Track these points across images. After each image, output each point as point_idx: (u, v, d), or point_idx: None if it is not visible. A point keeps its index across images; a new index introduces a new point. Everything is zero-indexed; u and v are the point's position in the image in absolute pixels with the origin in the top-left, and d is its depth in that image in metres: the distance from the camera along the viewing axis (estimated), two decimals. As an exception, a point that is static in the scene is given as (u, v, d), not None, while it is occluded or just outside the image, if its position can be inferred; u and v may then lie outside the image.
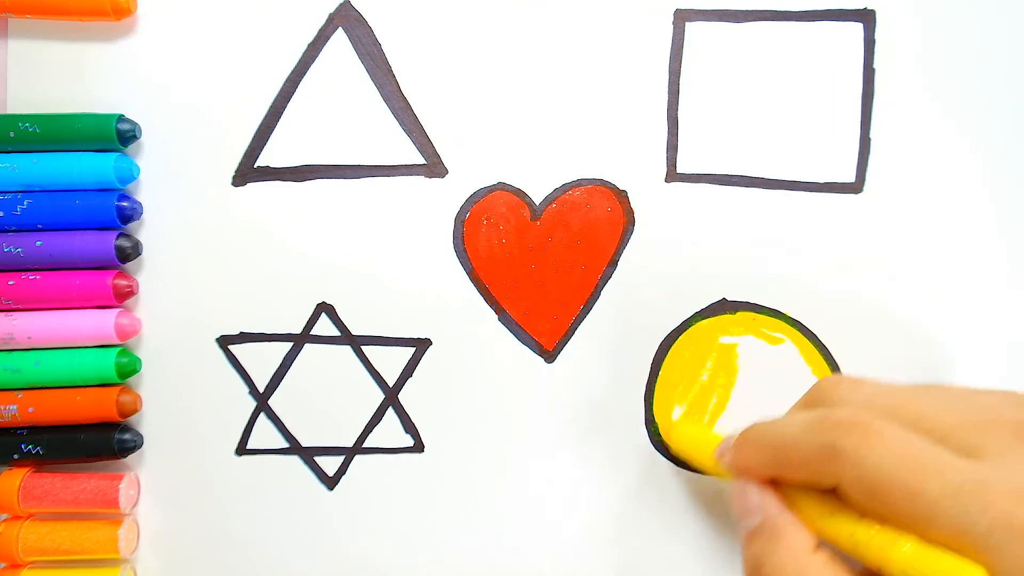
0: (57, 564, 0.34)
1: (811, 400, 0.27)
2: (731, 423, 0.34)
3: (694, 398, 0.34)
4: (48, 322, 0.33)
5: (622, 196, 0.34)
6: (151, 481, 0.35)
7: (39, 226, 0.33)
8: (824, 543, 0.24)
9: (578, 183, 0.34)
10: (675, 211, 0.34)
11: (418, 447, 0.35)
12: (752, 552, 0.25)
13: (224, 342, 0.35)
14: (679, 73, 0.34)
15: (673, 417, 0.34)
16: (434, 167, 0.35)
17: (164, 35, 0.34)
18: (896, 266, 0.34)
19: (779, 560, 0.24)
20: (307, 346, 0.35)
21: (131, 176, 0.33)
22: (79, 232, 0.33)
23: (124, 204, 0.33)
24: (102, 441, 0.33)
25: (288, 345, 0.35)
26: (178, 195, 0.34)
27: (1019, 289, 0.34)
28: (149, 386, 0.34)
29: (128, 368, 0.33)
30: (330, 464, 0.35)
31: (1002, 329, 0.34)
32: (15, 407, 0.32)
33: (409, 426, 0.35)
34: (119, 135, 0.33)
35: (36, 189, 0.33)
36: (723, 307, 0.34)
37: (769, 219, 0.34)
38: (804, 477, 0.24)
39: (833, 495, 0.24)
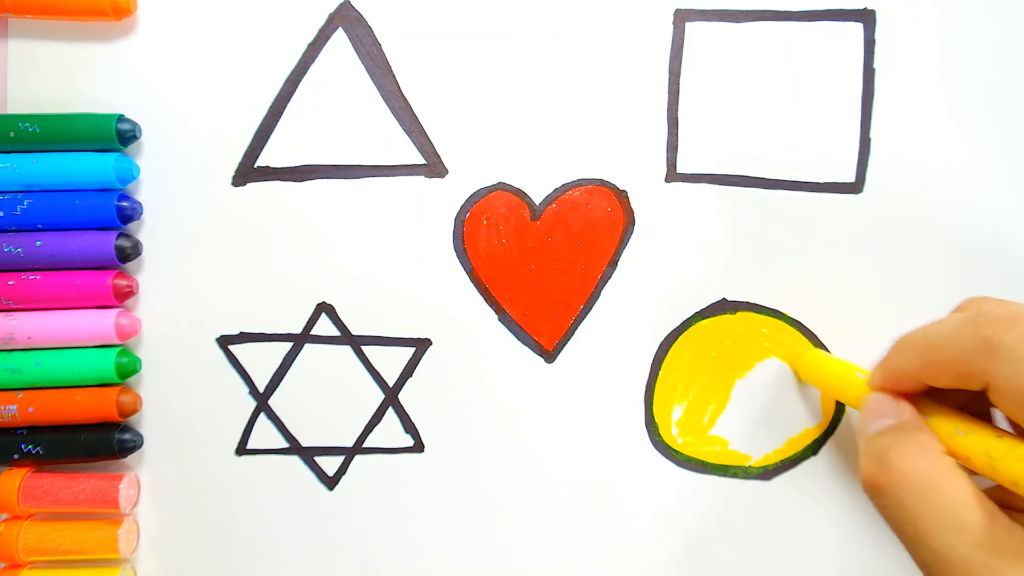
0: (57, 564, 0.34)
1: (960, 309, 0.26)
2: (731, 423, 0.34)
3: (694, 398, 0.34)
4: (48, 322, 0.33)
5: (622, 196, 0.34)
6: (151, 481, 0.35)
7: (39, 226, 0.33)
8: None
9: (578, 183, 0.34)
10: (675, 211, 0.34)
11: (418, 447, 0.35)
12: (879, 444, 0.24)
13: (224, 342, 0.35)
14: (679, 73, 0.34)
15: (673, 417, 0.34)
16: (434, 167, 0.35)
17: (164, 35, 0.34)
18: (896, 266, 0.34)
19: (910, 450, 0.23)
20: (307, 346, 0.35)
21: (131, 176, 0.33)
22: (79, 232, 0.33)
23: (124, 204, 0.33)
24: (102, 441, 0.33)
25: (288, 345, 0.35)
26: (178, 195, 0.34)
27: (1019, 289, 0.34)
28: (149, 386, 0.34)
29: (128, 368, 0.33)
30: (330, 464, 0.35)
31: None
32: (15, 407, 0.32)
33: (409, 426, 0.35)
34: (119, 135, 0.33)
35: (36, 189, 0.33)
36: (723, 307, 0.34)
37: (769, 219, 0.34)
38: (954, 375, 0.23)
39: (970, 416, 0.23)
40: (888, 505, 0.23)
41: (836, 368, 0.31)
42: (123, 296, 0.33)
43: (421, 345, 0.35)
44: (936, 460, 0.23)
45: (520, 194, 0.34)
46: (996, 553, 0.21)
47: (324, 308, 0.35)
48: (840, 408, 0.34)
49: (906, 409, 0.25)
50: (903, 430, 0.24)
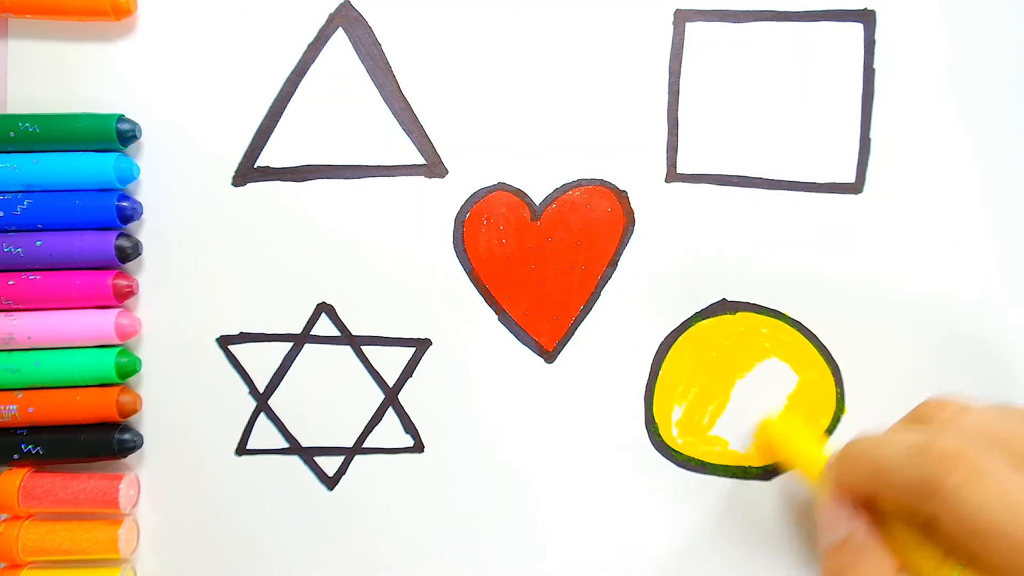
0: (57, 564, 0.34)
1: (916, 417, 0.26)
2: (731, 423, 0.34)
3: (694, 398, 0.34)
4: (48, 322, 0.33)
5: (622, 196, 0.34)
6: (151, 481, 0.35)
7: (39, 226, 0.33)
8: (906, 572, 0.23)
9: (578, 183, 0.34)
10: (675, 211, 0.34)
11: (418, 447, 0.35)
12: (832, 565, 0.24)
13: (224, 342, 0.35)
14: (679, 73, 0.34)
15: (673, 417, 0.34)
16: (434, 167, 0.35)
17: (164, 35, 0.34)
18: (896, 266, 0.34)
19: (862, 572, 0.23)
20: (307, 346, 0.35)
21: (131, 176, 0.33)
22: (79, 232, 0.33)
23: (124, 204, 0.33)
24: (102, 441, 0.33)
25: (288, 345, 0.35)
26: (178, 195, 0.34)
27: (1019, 289, 0.34)
28: (149, 386, 0.34)
29: (128, 368, 0.33)
30: (330, 464, 0.35)
31: (1002, 329, 0.34)
32: (15, 407, 0.32)
33: (409, 426, 0.35)
34: (119, 135, 0.33)
35: (36, 189, 0.33)
36: (723, 307, 0.34)
37: (769, 219, 0.34)
38: (900, 503, 0.23)
39: (925, 525, 0.23)
40: None
41: (797, 449, 0.31)
42: (123, 296, 0.33)
43: (421, 345, 0.35)
44: None
45: (520, 194, 0.34)
46: None
47: (324, 308, 0.35)
48: (840, 408, 0.34)
49: (859, 526, 0.25)
50: (855, 550, 0.24)
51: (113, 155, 0.33)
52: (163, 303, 0.34)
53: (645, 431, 0.35)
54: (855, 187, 0.34)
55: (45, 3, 0.33)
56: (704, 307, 0.34)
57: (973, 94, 0.34)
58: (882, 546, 0.24)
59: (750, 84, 0.34)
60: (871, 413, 0.34)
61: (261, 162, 0.34)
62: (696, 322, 0.34)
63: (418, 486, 0.35)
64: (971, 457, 0.21)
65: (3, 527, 0.33)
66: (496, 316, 0.35)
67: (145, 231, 0.34)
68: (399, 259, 0.34)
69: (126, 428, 0.34)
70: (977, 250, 0.34)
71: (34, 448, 0.33)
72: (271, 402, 0.35)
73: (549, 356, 0.35)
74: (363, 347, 0.35)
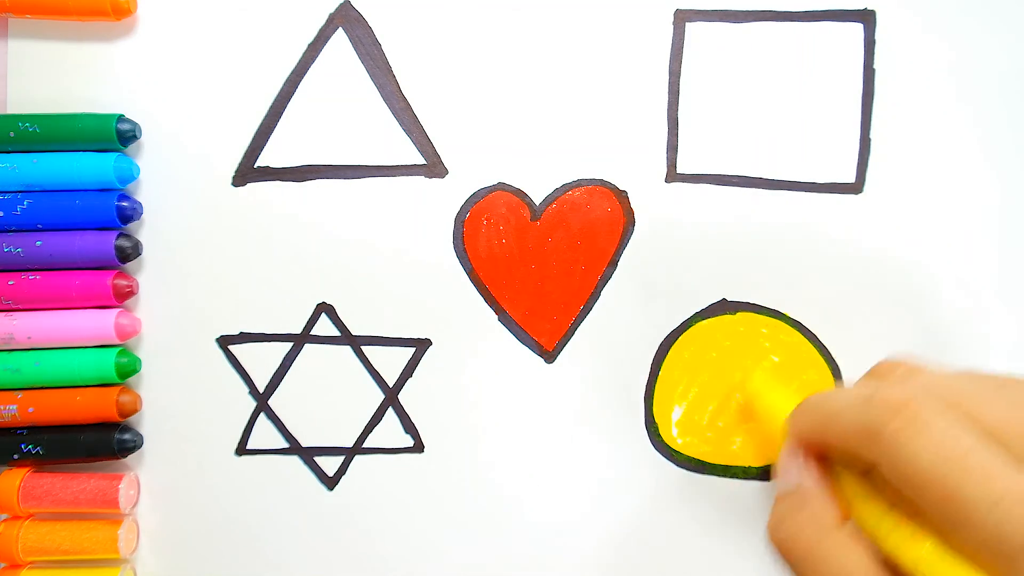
0: (57, 564, 0.34)
1: (873, 374, 0.26)
2: (731, 424, 0.34)
3: (694, 398, 0.34)
4: (48, 322, 0.33)
5: (622, 196, 0.34)
6: (151, 481, 0.35)
7: (39, 226, 0.33)
8: (853, 523, 0.23)
9: (578, 183, 0.34)
10: (675, 211, 0.34)
11: (418, 447, 0.35)
12: (777, 511, 0.24)
13: (224, 342, 0.35)
14: (679, 73, 0.34)
15: (673, 417, 0.34)
16: (434, 167, 0.35)
17: (164, 35, 0.34)
18: (896, 266, 0.34)
19: (799, 523, 0.23)
20: (307, 346, 0.35)
21: (131, 176, 0.33)
22: (79, 232, 0.33)
23: (124, 204, 0.33)
24: (102, 441, 0.33)
25: (288, 345, 0.35)
26: (178, 195, 0.34)
27: (1019, 289, 0.34)
28: (149, 386, 0.34)
29: (128, 368, 0.33)
30: (330, 464, 0.35)
31: (1002, 329, 0.34)
32: (15, 407, 0.32)
33: (409, 426, 0.35)
34: (119, 135, 0.33)
35: (36, 189, 0.33)
36: (723, 307, 0.34)
37: (769, 219, 0.34)
38: (845, 451, 0.23)
39: (873, 477, 0.23)
40: (783, 566, 0.24)
41: (769, 403, 0.31)
42: (123, 296, 0.33)
43: (421, 345, 0.35)
44: (824, 535, 0.23)
45: (520, 194, 0.34)
46: None
47: (324, 308, 0.35)
48: (840, 408, 0.34)
49: (808, 474, 0.25)
50: (799, 499, 0.24)
51: (113, 155, 0.33)
52: (163, 303, 0.34)
53: (645, 431, 0.35)
54: (855, 187, 0.34)
55: (45, 3, 0.33)
56: (704, 307, 0.34)
57: (973, 94, 0.34)
58: (827, 496, 0.24)
59: (750, 84, 0.34)
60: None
61: (261, 162, 0.34)
62: (696, 322, 0.34)
63: (418, 486, 0.35)
64: (912, 407, 0.21)
65: (3, 527, 0.33)
66: (496, 316, 0.35)
67: (145, 231, 0.34)
68: (399, 259, 0.34)
69: (126, 428, 0.34)
70: (977, 250, 0.34)
71: (34, 448, 0.33)
72: (271, 402, 0.35)
73: (549, 356, 0.35)
74: (363, 347, 0.35)
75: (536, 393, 0.35)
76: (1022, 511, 0.19)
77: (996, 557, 0.19)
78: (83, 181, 0.33)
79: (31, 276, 0.33)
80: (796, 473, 0.25)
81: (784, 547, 0.24)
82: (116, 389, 0.33)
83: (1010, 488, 0.19)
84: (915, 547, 0.21)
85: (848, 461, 0.24)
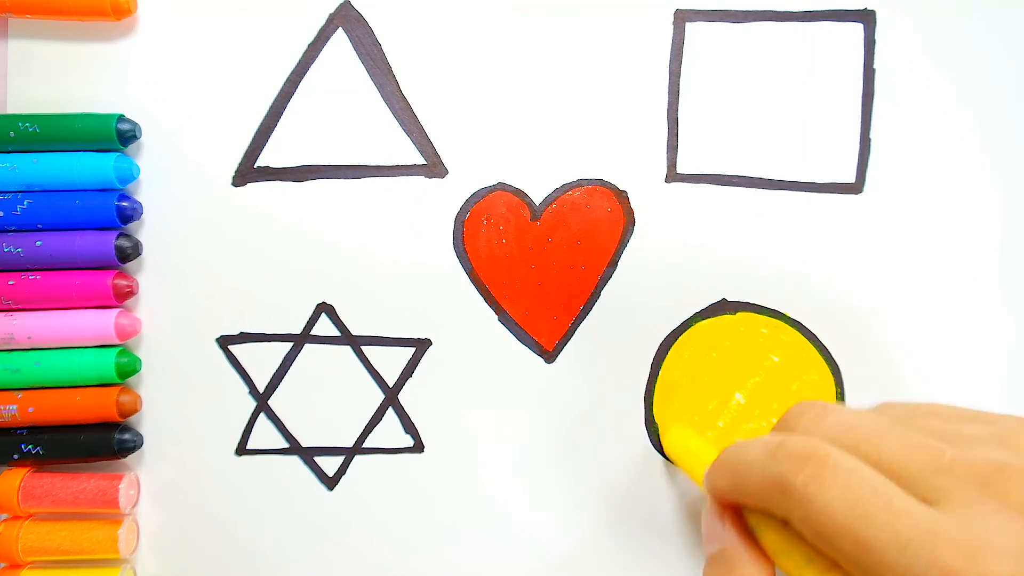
0: (57, 564, 0.34)
1: (781, 425, 0.26)
2: (731, 424, 0.34)
3: (694, 398, 0.34)
4: (48, 322, 0.33)
5: (622, 196, 0.34)
6: (151, 481, 0.35)
7: (39, 226, 0.33)
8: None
9: (578, 183, 0.34)
10: (675, 211, 0.34)
11: (418, 447, 0.35)
12: (708, 574, 0.25)
13: (224, 342, 0.35)
14: (679, 73, 0.34)
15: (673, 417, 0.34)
16: (434, 167, 0.35)
17: (164, 35, 0.34)
18: (896, 266, 0.34)
19: None
20: (307, 346, 0.35)
21: (131, 176, 0.33)
22: (79, 232, 0.33)
23: (124, 204, 0.33)
24: (102, 441, 0.33)
25: (288, 345, 0.35)
26: (178, 195, 0.34)
27: (1019, 289, 0.34)
28: (149, 386, 0.34)
29: (128, 368, 0.33)
30: (330, 464, 0.35)
31: (1002, 329, 0.34)
32: (15, 407, 0.32)
33: (409, 426, 0.35)
34: (119, 135, 0.33)
35: (36, 189, 0.33)
36: (723, 307, 0.34)
37: (769, 219, 0.34)
38: (760, 505, 0.23)
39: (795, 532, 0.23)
40: None
41: (689, 458, 0.31)
42: (123, 296, 0.33)
43: (421, 345, 0.35)
44: None
45: (520, 194, 0.34)
46: None
47: (324, 308, 0.35)
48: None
49: (729, 532, 0.25)
50: (727, 563, 0.24)
51: (113, 155, 0.33)
52: (163, 303, 0.34)
53: (645, 431, 0.35)
54: (855, 187, 0.34)
55: (45, 3, 0.33)
56: (704, 307, 0.34)
57: (973, 94, 0.34)
58: (751, 555, 0.24)
59: (750, 84, 0.34)
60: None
61: (261, 162, 0.34)
62: (696, 322, 0.34)
63: (418, 486, 0.35)
64: (819, 455, 0.21)
65: (3, 527, 0.33)
66: (496, 316, 0.35)
67: (145, 231, 0.34)
68: (399, 259, 0.34)
69: (126, 428, 0.34)
70: (977, 250, 0.34)
71: (34, 448, 0.33)
72: (271, 402, 0.35)
73: (549, 356, 0.35)
74: (363, 347, 0.35)
75: (536, 393, 0.35)
76: (929, 548, 0.19)
77: None
78: (83, 181, 0.33)
79: (31, 276, 0.33)
80: (719, 535, 0.25)
81: None
82: (116, 389, 0.33)
83: (918, 527, 0.19)
84: None
85: (762, 511, 0.24)
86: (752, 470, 0.23)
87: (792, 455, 0.22)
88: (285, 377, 0.35)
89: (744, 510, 0.25)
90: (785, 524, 0.23)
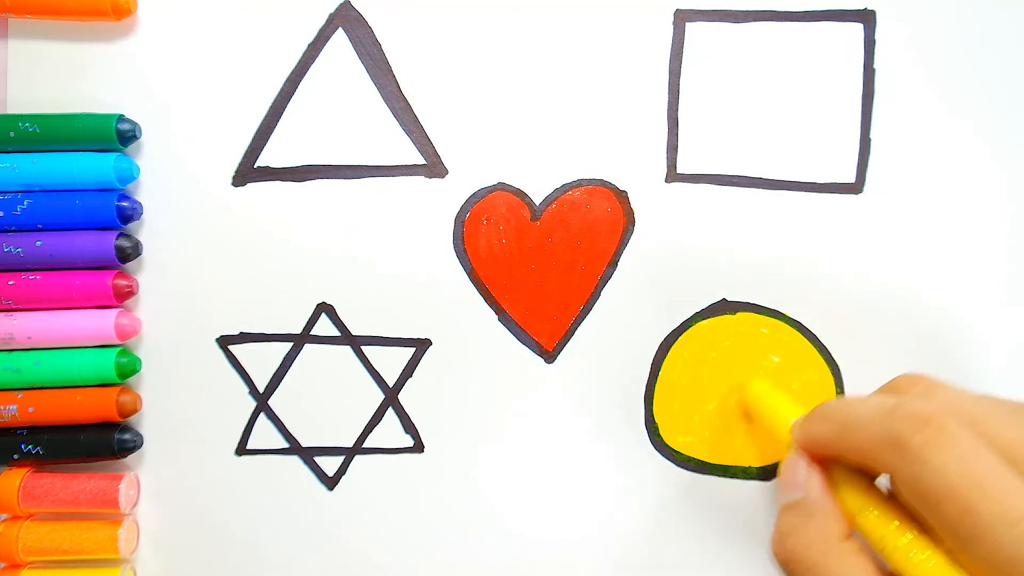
0: (57, 564, 0.34)
1: (891, 388, 0.26)
2: (731, 424, 0.34)
3: (694, 398, 0.34)
4: (48, 322, 0.33)
5: (622, 196, 0.34)
6: (151, 481, 0.35)
7: (39, 226, 0.33)
8: (858, 534, 0.24)
9: (578, 183, 0.34)
10: (675, 211, 0.34)
11: (418, 447, 0.35)
12: (783, 524, 0.24)
13: (224, 342, 0.35)
14: (679, 73, 0.34)
15: (673, 417, 0.34)
16: (434, 167, 0.35)
17: (164, 35, 0.34)
18: (896, 266, 0.34)
19: (806, 537, 0.23)
20: (307, 346, 0.35)
21: (131, 176, 0.33)
22: (79, 232, 0.33)
23: (124, 204, 0.33)
24: (102, 441, 0.33)
25: (288, 345, 0.35)
26: (178, 195, 0.34)
27: (1020, 289, 0.34)
28: (149, 386, 0.34)
29: (128, 368, 0.33)
30: (330, 464, 0.35)
31: (1004, 330, 0.34)
32: (15, 407, 0.32)
33: (409, 426, 0.35)
34: (119, 135, 0.33)
35: (36, 189, 0.33)
36: (723, 307, 0.34)
37: (769, 219, 0.34)
38: (863, 458, 0.23)
39: (878, 489, 0.23)
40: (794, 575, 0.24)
41: (771, 410, 0.31)
42: (123, 296, 0.33)
43: (421, 345, 0.35)
44: (830, 549, 0.23)
45: (520, 194, 0.34)
46: None
47: (324, 308, 0.35)
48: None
49: (814, 484, 0.25)
50: (805, 510, 0.24)
51: (113, 155, 0.33)
52: (163, 303, 0.34)
53: (645, 431, 0.35)
54: (855, 187, 0.34)
55: (45, 3, 0.33)
56: (704, 307, 0.34)
57: (973, 94, 0.34)
58: (833, 507, 0.24)
59: (750, 84, 0.34)
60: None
61: (261, 162, 0.34)
62: (696, 322, 0.34)
63: (418, 486, 0.35)
64: (939, 420, 0.21)
65: (3, 527, 0.33)
66: (496, 316, 0.35)
67: (145, 231, 0.34)
68: (399, 259, 0.34)
69: (126, 428, 0.34)
70: (977, 249, 0.34)
71: (34, 448, 0.33)
72: (271, 402, 0.35)
73: (549, 356, 0.35)
74: (363, 347, 0.35)
75: (536, 393, 0.35)
76: None
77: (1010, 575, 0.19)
78: (83, 181, 0.33)
79: (31, 276, 0.33)
80: (801, 483, 0.25)
81: (790, 561, 0.24)
82: (116, 389, 0.33)
83: None
84: (923, 562, 0.21)
85: (851, 473, 0.24)
86: (864, 424, 0.23)
87: (911, 415, 0.22)
88: (285, 377, 0.35)
89: (831, 465, 0.25)
90: (871, 484, 0.23)
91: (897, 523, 0.22)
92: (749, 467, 0.34)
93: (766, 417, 0.31)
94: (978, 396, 0.24)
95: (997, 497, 0.20)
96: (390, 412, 0.35)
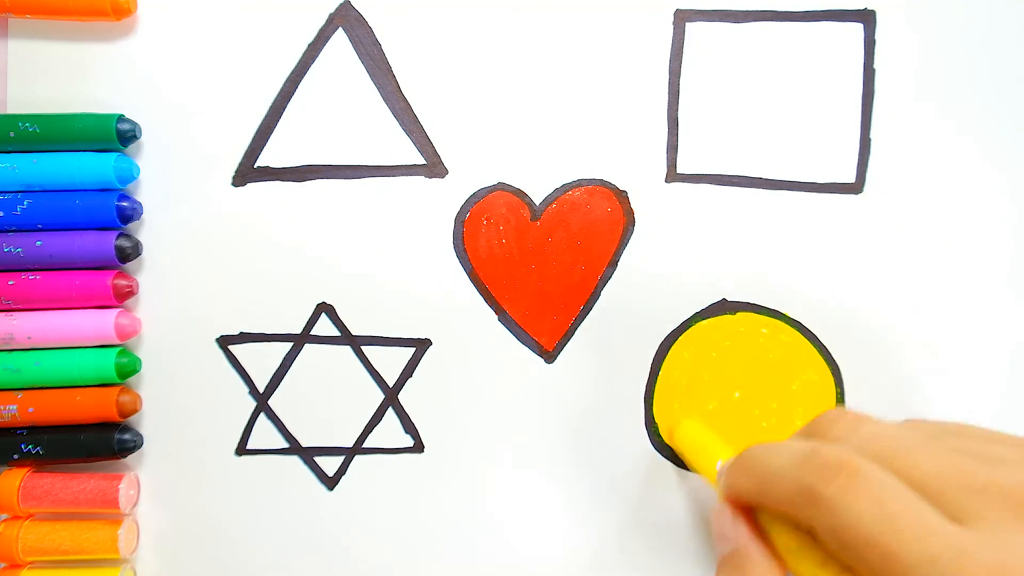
0: (57, 564, 0.34)
1: (810, 431, 0.26)
2: (731, 424, 0.34)
3: (694, 398, 0.34)
4: (48, 322, 0.33)
5: (622, 196, 0.34)
6: (151, 481, 0.35)
7: (39, 226, 0.33)
8: None
9: (578, 183, 0.34)
10: (675, 211, 0.34)
11: (418, 447, 0.35)
12: (722, 574, 0.24)
13: (224, 342, 0.35)
14: (679, 73, 0.34)
15: (673, 418, 0.34)
16: (434, 167, 0.35)
17: (164, 35, 0.34)
18: (896, 266, 0.34)
19: None
20: (307, 346, 0.35)
21: (131, 176, 0.33)
22: (79, 232, 0.33)
23: (124, 204, 0.33)
24: (102, 441, 0.33)
25: (288, 345, 0.35)
26: (178, 195, 0.34)
27: (1020, 290, 0.34)
28: (149, 386, 0.34)
29: (128, 368, 0.33)
30: (330, 464, 0.35)
31: (1003, 330, 0.34)
32: (15, 407, 0.32)
33: (409, 426, 0.35)
34: (119, 135, 0.33)
35: (36, 189, 0.33)
36: (723, 307, 0.34)
37: (769, 219, 0.34)
38: (784, 511, 0.23)
39: (808, 534, 0.23)
40: None
41: (704, 452, 0.31)
42: (123, 296, 0.33)
43: (421, 345, 0.35)
44: None
45: (520, 194, 0.34)
46: None
47: (324, 308, 0.35)
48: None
49: (742, 532, 0.25)
50: (740, 562, 0.24)
51: (113, 155, 0.33)
52: (163, 303, 0.34)
53: (645, 431, 0.35)
54: (855, 187, 0.34)
55: (45, 3, 0.33)
56: (704, 307, 0.34)
57: (973, 94, 0.34)
58: (765, 554, 0.24)
59: (750, 84, 0.34)
60: (871, 413, 0.34)
61: (261, 162, 0.34)
62: (696, 322, 0.34)
63: (418, 486, 0.35)
64: (852, 466, 0.21)
65: (3, 527, 0.33)
66: (496, 316, 0.35)
67: (145, 231, 0.34)
68: (399, 259, 0.34)
69: (126, 428, 0.34)
70: (978, 249, 0.34)
71: (34, 448, 0.33)
72: (271, 402, 0.35)
73: (549, 356, 0.35)
74: (363, 347, 0.35)
75: (536, 393, 0.35)
76: (956, 568, 0.19)
77: None
78: (83, 181, 0.33)
79: (31, 276, 0.33)
80: (731, 536, 0.25)
81: None
82: (116, 389, 0.33)
83: (947, 545, 0.19)
84: None
85: (782, 517, 0.24)
86: (780, 476, 0.23)
87: (824, 464, 0.22)
88: (285, 377, 0.35)
89: (757, 511, 0.25)
90: (797, 527, 0.23)
91: (823, 565, 0.22)
92: (749, 467, 0.34)
93: (694, 460, 0.31)
94: (900, 427, 0.24)
95: (914, 538, 0.19)
96: (390, 412, 0.35)
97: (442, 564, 0.35)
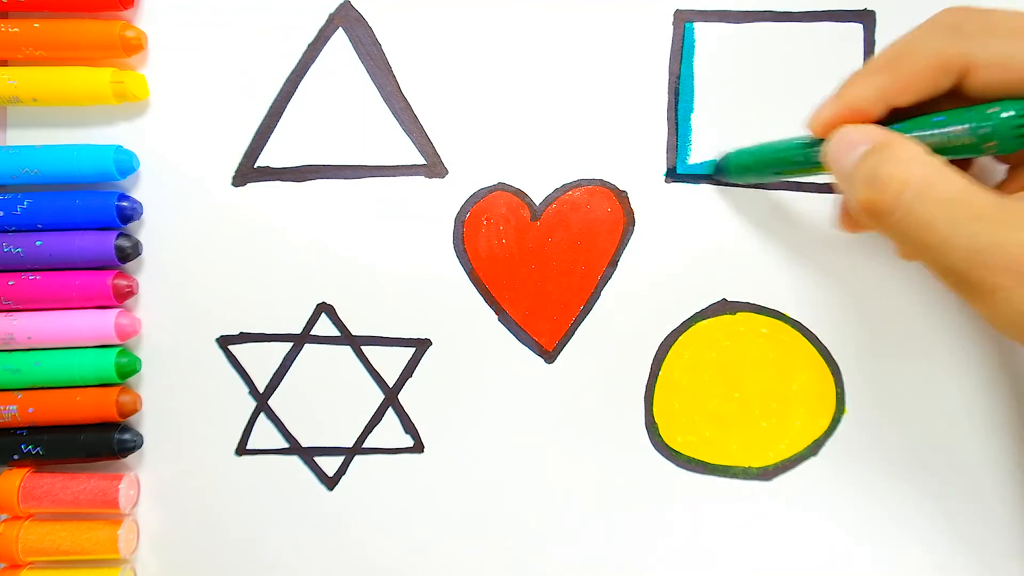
0: (57, 564, 0.34)
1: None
2: (731, 424, 0.34)
3: (694, 398, 0.34)
4: (48, 322, 0.33)
5: (622, 196, 0.34)
6: (151, 481, 0.35)
7: (39, 226, 0.33)
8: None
9: (578, 183, 0.34)
10: (675, 211, 0.34)
11: (418, 447, 0.35)
12: (866, 167, 0.23)
13: (224, 342, 0.35)
14: (679, 73, 0.34)
15: (673, 417, 0.34)
16: (434, 167, 0.35)
17: (164, 35, 0.34)
18: (896, 266, 0.34)
19: (898, 160, 0.22)
20: (307, 346, 0.35)
21: (131, 167, 0.33)
22: (79, 232, 0.33)
23: (124, 204, 0.33)
24: (102, 441, 0.33)
25: (288, 345, 0.35)
26: (178, 195, 0.34)
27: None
28: (149, 386, 0.34)
29: (128, 368, 0.33)
30: (330, 464, 0.35)
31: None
32: (15, 407, 0.32)
33: (409, 426, 0.35)
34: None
35: (36, 182, 0.33)
36: (723, 307, 0.34)
37: (769, 219, 0.34)
38: (928, 72, 0.23)
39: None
40: (897, 221, 0.22)
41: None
42: (123, 296, 0.33)
43: (421, 345, 0.35)
44: (928, 161, 0.22)
45: (520, 194, 0.34)
46: (1020, 227, 0.21)
47: (324, 308, 0.35)
48: (840, 408, 0.34)
49: (876, 130, 0.24)
50: (885, 147, 0.23)
51: (113, 147, 0.33)
52: (163, 303, 0.34)
53: (645, 431, 0.35)
54: (855, 187, 0.34)
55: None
56: (704, 307, 0.34)
57: (973, 94, 0.34)
58: (908, 139, 0.23)
59: (750, 84, 0.34)
60: (871, 413, 0.34)
61: (261, 162, 0.34)
62: (696, 322, 0.34)
63: (418, 486, 0.35)
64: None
65: (3, 527, 0.33)
66: (496, 316, 0.35)
67: (145, 231, 0.34)
68: (399, 259, 0.34)
69: (126, 428, 0.34)
70: (977, 250, 0.34)
71: (34, 448, 0.33)
72: (271, 402, 0.35)
73: (549, 356, 0.35)
74: (363, 347, 0.35)
75: (536, 393, 0.35)
76: None
77: None
78: (83, 173, 0.32)
79: (31, 276, 0.33)
80: (863, 136, 0.24)
81: (892, 194, 0.23)
82: (116, 389, 0.33)
83: None
84: None
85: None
86: (920, 41, 0.24)
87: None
88: (285, 377, 0.35)
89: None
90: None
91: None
92: (749, 467, 0.34)
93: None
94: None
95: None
96: (390, 412, 0.35)
97: (442, 564, 0.35)
